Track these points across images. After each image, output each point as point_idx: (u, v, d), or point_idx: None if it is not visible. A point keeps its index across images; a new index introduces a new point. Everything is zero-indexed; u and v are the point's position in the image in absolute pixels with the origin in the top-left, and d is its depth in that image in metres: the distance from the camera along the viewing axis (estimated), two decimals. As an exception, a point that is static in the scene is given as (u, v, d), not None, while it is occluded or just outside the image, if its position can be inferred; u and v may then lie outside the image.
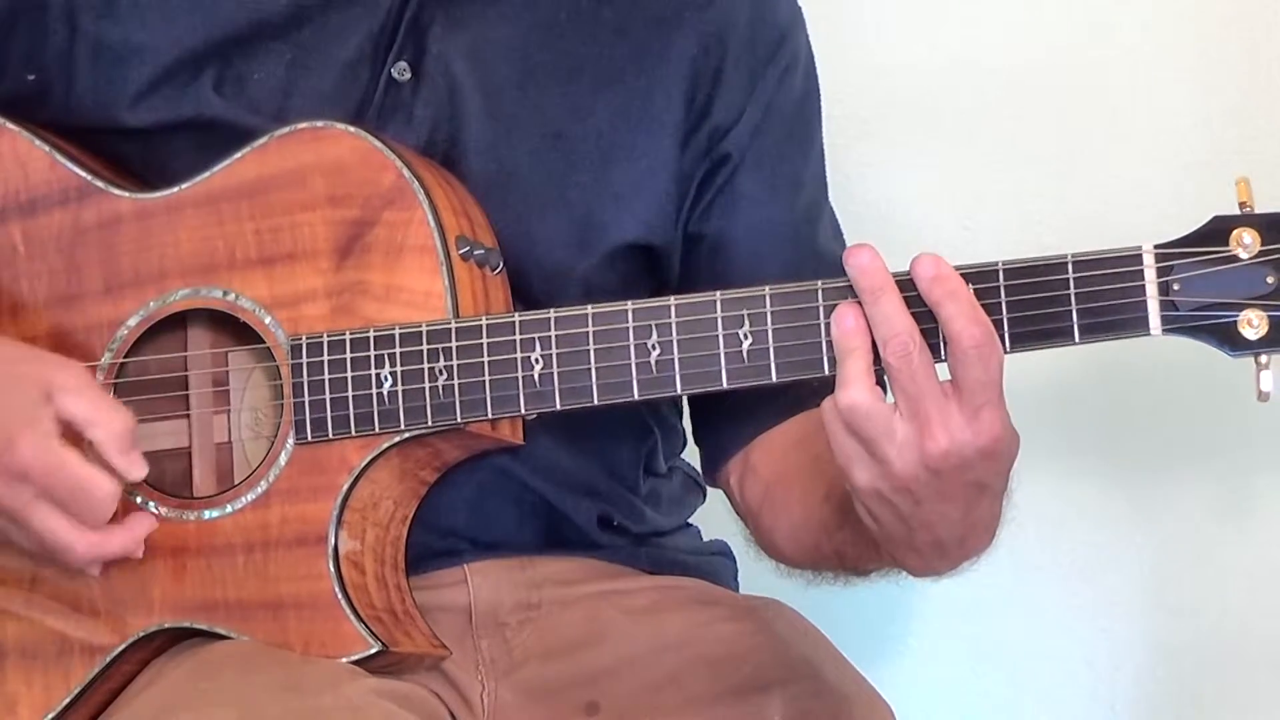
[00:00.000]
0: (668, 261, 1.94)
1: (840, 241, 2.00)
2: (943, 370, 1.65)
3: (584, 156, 1.90)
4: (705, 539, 2.06)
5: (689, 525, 2.06)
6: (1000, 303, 1.65)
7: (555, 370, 1.74)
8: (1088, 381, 2.29)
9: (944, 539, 1.70)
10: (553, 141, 1.90)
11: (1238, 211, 1.64)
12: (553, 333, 1.74)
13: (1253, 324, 1.63)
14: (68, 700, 1.79)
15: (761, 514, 1.93)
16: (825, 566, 1.89)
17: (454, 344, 1.75)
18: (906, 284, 1.65)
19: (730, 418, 1.94)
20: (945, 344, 1.63)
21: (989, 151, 2.39)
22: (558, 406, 1.74)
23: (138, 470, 1.74)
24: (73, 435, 1.72)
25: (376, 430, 1.76)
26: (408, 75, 1.88)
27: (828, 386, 1.67)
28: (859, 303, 1.65)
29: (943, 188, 2.40)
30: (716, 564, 2.02)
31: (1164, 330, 1.64)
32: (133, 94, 1.87)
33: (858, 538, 1.77)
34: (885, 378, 1.65)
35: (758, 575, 2.00)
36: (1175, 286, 1.63)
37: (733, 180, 1.93)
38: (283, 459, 1.77)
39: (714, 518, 2.05)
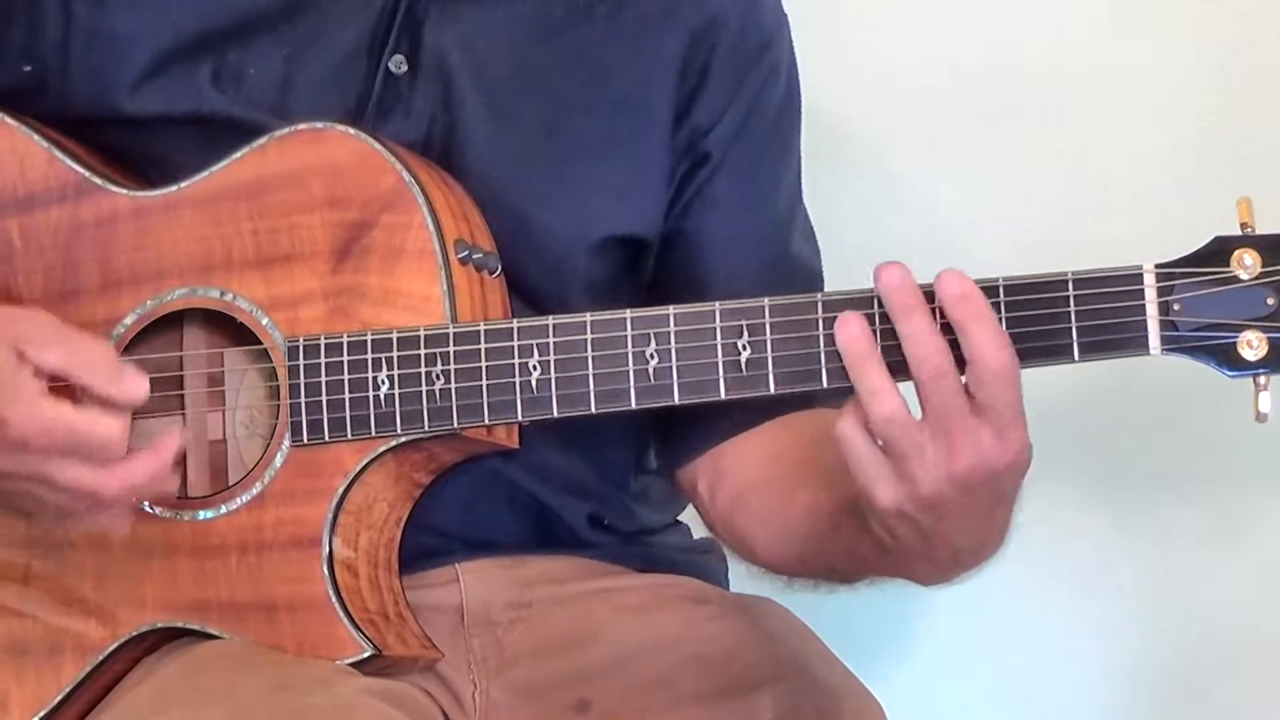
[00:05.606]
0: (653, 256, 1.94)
1: (813, 245, 1.99)
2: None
3: (579, 150, 1.90)
4: (695, 537, 2.05)
5: (679, 523, 2.06)
6: (1000, 319, 1.64)
7: (553, 377, 1.73)
8: (1087, 395, 2.29)
9: (961, 549, 1.70)
10: (549, 135, 1.89)
11: (1238, 230, 1.64)
12: (550, 339, 1.74)
13: (1252, 345, 1.63)
14: (59, 698, 1.79)
15: (734, 521, 1.92)
16: (812, 576, 1.89)
17: (451, 349, 1.74)
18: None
19: (701, 418, 1.91)
20: (968, 362, 1.61)
21: (986, 152, 2.39)
22: (554, 414, 1.74)
23: (136, 391, 1.69)
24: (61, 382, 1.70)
25: (372, 434, 1.76)
26: (404, 68, 1.87)
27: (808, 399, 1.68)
28: (860, 313, 1.64)
29: (940, 189, 2.39)
30: (707, 562, 2.02)
31: (1164, 350, 1.64)
32: (130, 81, 1.86)
33: (853, 551, 1.76)
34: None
35: (747, 573, 2.00)
36: (1175, 306, 1.63)
37: (710, 181, 1.92)
38: (278, 461, 1.77)
39: (705, 516, 2.05)
